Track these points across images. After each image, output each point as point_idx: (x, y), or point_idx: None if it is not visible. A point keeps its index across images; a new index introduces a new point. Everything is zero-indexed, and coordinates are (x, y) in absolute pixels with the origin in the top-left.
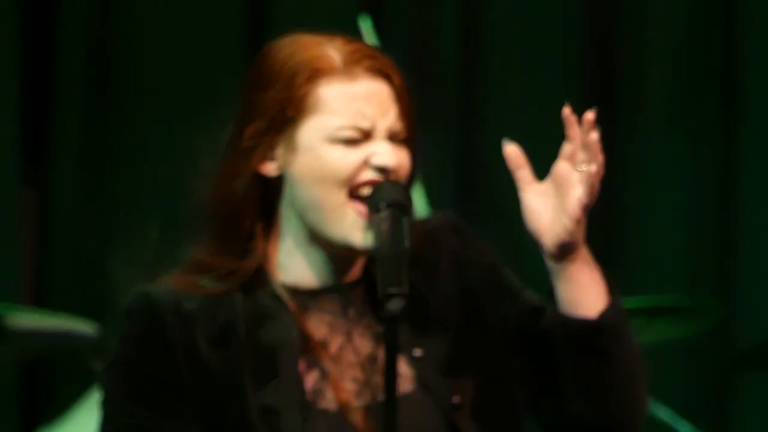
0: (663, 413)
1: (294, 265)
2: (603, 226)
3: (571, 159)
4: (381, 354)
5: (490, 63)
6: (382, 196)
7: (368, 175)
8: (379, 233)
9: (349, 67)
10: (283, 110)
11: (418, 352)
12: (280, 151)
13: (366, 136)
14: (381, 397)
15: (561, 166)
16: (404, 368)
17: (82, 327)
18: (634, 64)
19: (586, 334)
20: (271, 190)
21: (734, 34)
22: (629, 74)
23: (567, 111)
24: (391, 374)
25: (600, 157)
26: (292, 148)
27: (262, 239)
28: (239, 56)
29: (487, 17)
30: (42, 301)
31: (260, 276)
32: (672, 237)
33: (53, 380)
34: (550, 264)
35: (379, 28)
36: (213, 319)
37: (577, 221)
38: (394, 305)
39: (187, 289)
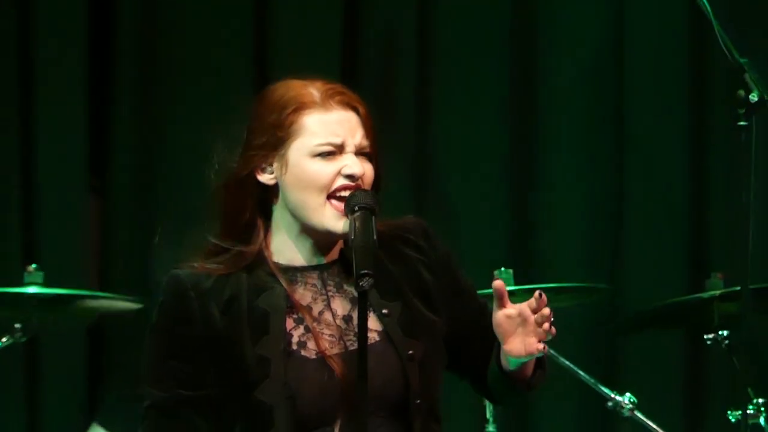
0: (567, 364)
1: (286, 249)
2: (526, 226)
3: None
4: (354, 314)
5: (439, 83)
6: (357, 201)
7: (341, 181)
8: (354, 228)
9: (325, 101)
10: (275, 134)
11: (385, 311)
12: (275, 165)
13: (339, 150)
14: (352, 347)
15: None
16: (373, 323)
17: (132, 304)
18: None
19: (518, 390)
20: (269, 195)
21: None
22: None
23: (498, 284)
24: (362, 333)
25: (551, 329)
26: (283, 162)
27: (262, 231)
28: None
29: (439, 46)
30: (104, 285)
31: (260, 258)
32: (578, 236)
33: (111, 343)
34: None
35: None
36: (223, 293)
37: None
38: (366, 282)
39: (205, 271)
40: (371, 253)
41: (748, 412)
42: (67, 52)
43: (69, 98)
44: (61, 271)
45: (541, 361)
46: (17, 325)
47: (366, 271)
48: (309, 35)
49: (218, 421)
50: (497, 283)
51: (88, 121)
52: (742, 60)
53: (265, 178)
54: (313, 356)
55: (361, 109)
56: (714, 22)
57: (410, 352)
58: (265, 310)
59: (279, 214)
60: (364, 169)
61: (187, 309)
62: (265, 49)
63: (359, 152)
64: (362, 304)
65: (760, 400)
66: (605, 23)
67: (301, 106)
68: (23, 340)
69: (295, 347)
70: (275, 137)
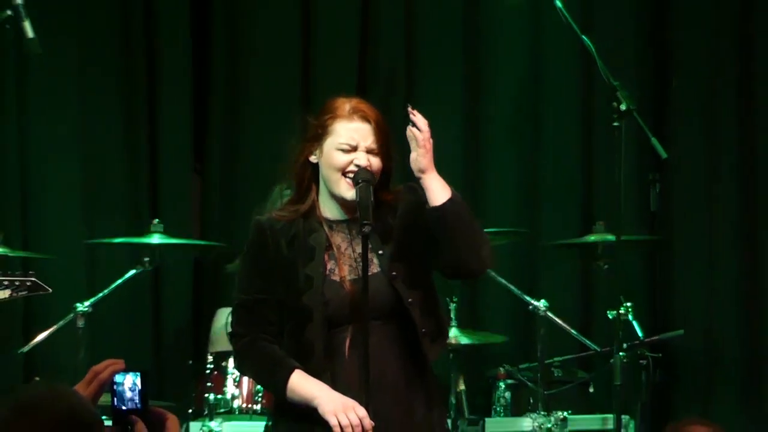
0: (503, 281)
1: (326, 207)
2: (475, 192)
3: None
4: (355, 249)
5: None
6: (360, 176)
7: (352, 167)
8: (359, 194)
9: (350, 114)
10: (318, 132)
11: (382, 251)
12: (317, 152)
13: (354, 149)
14: (356, 275)
15: (410, 133)
16: (374, 259)
17: (221, 246)
18: None
19: (437, 215)
20: (316, 171)
21: None
22: None
23: (410, 109)
24: (365, 263)
25: (424, 130)
26: (321, 150)
27: (313, 193)
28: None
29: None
30: (203, 234)
31: (312, 211)
32: (511, 198)
33: (207, 271)
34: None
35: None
36: (288, 232)
37: (421, 154)
38: (366, 228)
39: (276, 217)
40: (370, 210)
41: (620, 311)
42: (176, 64)
43: (180, 107)
44: (175, 224)
45: (451, 201)
46: (146, 259)
47: (366, 222)
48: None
49: (280, 316)
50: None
51: (193, 121)
52: (615, 83)
53: (312, 159)
54: (338, 279)
55: (374, 122)
56: (596, 58)
57: (410, 300)
58: (312, 246)
59: (321, 184)
60: (370, 161)
61: (264, 242)
62: (307, 74)
63: (369, 151)
64: (365, 243)
65: (628, 304)
66: (528, 57)
67: (334, 116)
68: (150, 268)
69: (328, 272)
70: (318, 134)
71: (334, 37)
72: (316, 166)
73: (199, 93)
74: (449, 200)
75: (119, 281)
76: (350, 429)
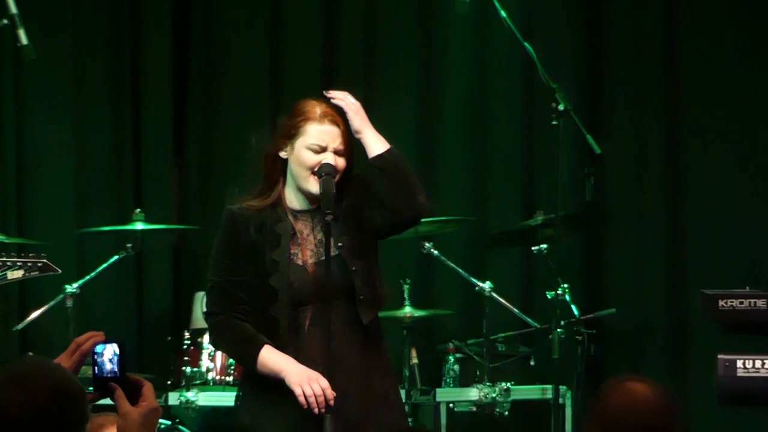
0: (452, 265)
1: (292, 198)
2: (428, 181)
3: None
4: (317, 236)
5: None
6: (323, 170)
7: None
8: (322, 185)
9: (321, 117)
10: (291, 131)
11: (341, 241)
12: (288, 149)
13: (323, 150)
14: (322, 258)
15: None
16: (334, 246)
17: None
18: None
19: (376, 164)
20: (285, 165)
21: None
22: None
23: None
24: (327, 249)
25: (344, 99)
26: (292, 148)
27: (281, 185)
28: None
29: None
30: (181, 222)
31: (279, 202)
32: (460, 189)
33: (184, 253)
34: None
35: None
36: (257, 220)
37: (351, 117)
38: (328, 217)
39: (246, 207)
40: (331, 200)
41: (558, 292)
42: (158, 70)
43: (161, 108)
44: (156, 213)
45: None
46: (129, 245)
47: (328, 211)
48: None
49: (250, 296)
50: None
51: (173, 121)
52: (554, 85)
53: (283, 155)
54: (301, 263)
55: (342, 126)
56: (537, 63)
57: (353, 268)
58: (278, 233)
59: (289, 178)
60: (336, 162)
61: (235, 228)
62: (275, 75)
63: (336, 152)
64: (327, 230)
65: (565, 285)
66: (476, 61)
67: (307, 118)
68: (133, 253)
69: (292, 257)
70: (290, 133)
71: (300, 40)
72: (284, 161)
73: (179, 96)
74: (387, 151)
75: (104, 265)
76: (314, 398)
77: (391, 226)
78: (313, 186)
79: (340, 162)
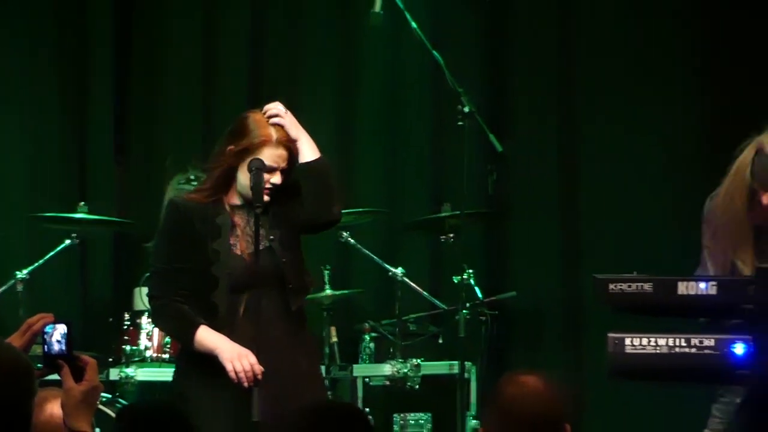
0: (368, 252)
1: (233, 196)
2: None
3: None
4: (253, 234)
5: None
6: (253, 165)
7: (269, 185)
8: (252, 180)
9: (277, 143)
10: (249, 149)
11: (273, 235)
12: (242, 162)
13: (272, 171)
14: (252, 249)
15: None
16: (266, 241)
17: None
18: None
19: (306, 168)
20: (233, 170)
21: None
22: None
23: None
24: (257, 240)
25: (277, 112)
26: (245, 162)
27: (224, 185)
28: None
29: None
30: (122, 214)
31: (221, 198)
32: (375, 182)
33: (124, 242)
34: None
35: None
36: (200, 213)
37: (288, 128)
38: (258, 210)
39: (189, 199)
40: (261, 193)
41: (463, 277)
42: (102, 81)
43: (104, 112)
44: (99, 205)
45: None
46: (74, 234)
47: (258, 204)
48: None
49: (191, 283)
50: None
51: (114, 123)
52: (460, 89)
53: (235, 163)
54: (239, 253)
55: (292, 149)
56: (444, 69)
57: (284, 260)
58: (219, 225)
59: (237, 181)
60: (282, 179)
61: (178, 219)
62: (208, 83)
63: (282, 171)
64: (257, 221)
65: (470, 270)
66: (390, 67)
67: (264, 142)
68: (77, 241)
69: (232, 248)
70: (248, 150)
71: (229, 50)
72: (234, 167)
73: (120, 102)
74: (316, 159)
75: (52, 253)
76: (243, 373)
77: (307, 227)
78: (260, 198)
79: (285, 178)
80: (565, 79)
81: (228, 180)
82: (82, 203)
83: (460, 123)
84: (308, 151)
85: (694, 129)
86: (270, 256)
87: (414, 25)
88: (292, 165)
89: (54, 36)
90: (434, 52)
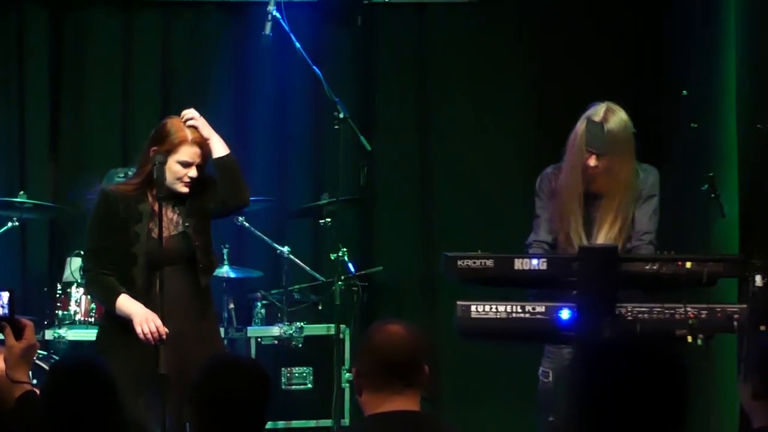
0: (259, 234)
1: (155, 188)
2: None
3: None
4: (174, 218)
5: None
6: (156, 159)
7: (186, 178)
8: (155, 172)
9: (192, 142)
10: (170, 148)
11: (188, 222)
12: (160, 159)
13: (189, 165)
14: (173, 232)
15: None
16: (182, 226)
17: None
18: None
19: (218, 163)
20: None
21: None
22: None
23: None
24: (161, 224)
25: (190, 115)
26: (167, 157)
27: (149, 180)
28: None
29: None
30: (55, 200)
31: (145, 189)
32: (270, 175)
33: (60, 224)
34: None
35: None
36: (125, 201)
37: (201, 128)
38: (160, 200)
39: (117, 190)
40: (163, 182)
41: (339, 254)
42: (38, 90)
43: (40, 116)
44: (36, 194)
45: (228, 155)
46: (14, 218)
47: (161, 195)
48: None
49: (116, 259)
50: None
51: (49, 125)
52: (336, 99)
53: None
54: (156, 236)
55: (205, 147)
56: (323, 82)
57: (196, 243)
58: (141, 211)
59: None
60: (198, 172)
61: (107, 204)
62: (126, 91)
63: (197, 166)
64: (160, 206)
65: (344, 249)
66: (277, 79)
67: (182, 141)
68: (17, 224)
69: (150, 231)
70: (168, 150)
71: (143, 69)
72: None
73: (54, 109)
74: (227, 155)
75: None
76: (149, 334)
77: (221, 211)
78: (179, 187)
79: (200, 173)
80: (422, 88)
81: (149, 176)
82: (22, 192)
83: (336, 126)
84: (219, 148)
85: (529, 126)
86: (184, 239)
87: (298, 45)
88: (205, 160)
89: None
90: (314, 68)
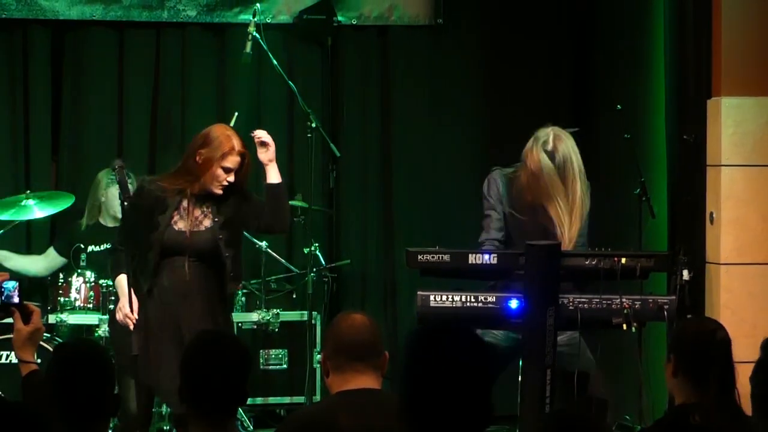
0: (258, 242)
1: (196, 187)
2: None
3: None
4: (198, 217)
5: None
6: (116, 164)
7: (224, 182)
8: (117, 176)
9: (237, 153)
10: (215, 155)
11: (217, 219)
12: (207, 163)
13: (232, 170)
14: (196, 228)
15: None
16: (211, 222)
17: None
18: None
19: (271, 190)
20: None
21: None
22: None
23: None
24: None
25: (269, 141)
26: (210, 162)
27: (185, 178)
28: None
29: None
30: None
31: (182, 188)
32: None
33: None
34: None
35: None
36: (158, 192)
37: (267, 152)
38: (122, 202)
39: (154, 181)
40: (126, 187)
41: (311, 249)
42: (41, 101)
43: (42, 123)
44: (39, 191)
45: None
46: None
47: (120, 199)
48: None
49: (140, 242)
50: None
51: (51, 130)
52: (309, 110)
53: (204, 165)
54: (177, 229)
55: (246, 157)
56: (297, 94)
57: (220, 236)
58: (167, 204)
59: (203, 178)
60: (234, 179)
61: (141, 193)
62: (120, 104)
63: (236, 173)
64: (122, 207)
65: (317, 244)
66: (255, 93)
67: (231, 149)
68: (26, 219)
69: (172, 223)
70: (214, 157)
71: (134, 80)
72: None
73: (55, 116)
74: (279, 183)
75: (6, 228)
76: (123, 321)
77: (261, 231)
78: (216, 189)
79: (240, 178)
80: (385, 101)
81: (190, 175)
82: (28, 191)
83: (308, 135)
84: (274, 175)
85: (480, 134)
86: (209, 235)
87: (275, 61)
88: (242, 169)
89: (4, 73)
90: (289, 82)
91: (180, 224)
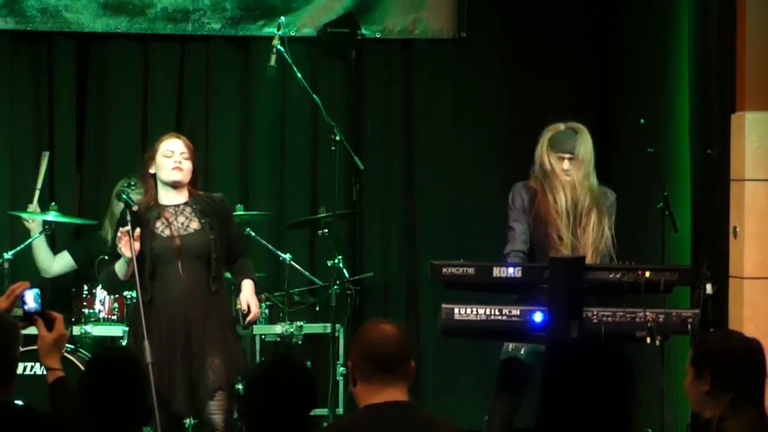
0: (265, 243)
1: (163, 196)
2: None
3: None
4: (183, 222)
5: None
6: (123, 191)
7: (173, 164)
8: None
9: (168, 137)
10: (153, 153)
11: (203, 221)
12: (154, 165)
13: (173, 153)
14: (184, 232)
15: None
16: (198, 224)
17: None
18: None
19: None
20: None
21: None
22: None
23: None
24: (133, 226)
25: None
26: (155, 162)
27: (155, 189)
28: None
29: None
30: (81, 214)
31: (155, 200)
32: (265, 191)
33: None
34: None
35: None
36: (144, 207)
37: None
38: (132, 221)
39: (140, 204)
40: (134, 212)
41: (335, 261)
42: (66, 116)
43: (67, 133)
44: (64, 205)
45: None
46: (46, 226)
47: (128, 219)
48: None
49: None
50: None
51: (75, 142)
52: (332, 123)
53: (152, 171)
54: (165, 235)
55: (183, 140)
56: (321, 107)
57: (211, 237)
58: (150, 216)
59: (158, 182)
60: (182, 163)
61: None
62: (145, 116)
63: (182, 154)
64: (132, 221)
65: (340, 257)
66: (280, 105)
67: (164, 138)
68: (49, 233)
69: (159, 231)
70: (156, 150)
71: (159, 93)
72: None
73: (80, 129)
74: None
75: (29, 240)
76: (125, 243)
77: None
78: (173, 175)
79: (186, 164)
80: (408, 114)
81: (153, 187)
82: (53, 203)
83: (332, 148)
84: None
85: (503, 146)
86: (199, 236)
87: (299, 74)
88: (191, 154)
89: (30, 85)
90: (313, 95)
91: (166, 232)
